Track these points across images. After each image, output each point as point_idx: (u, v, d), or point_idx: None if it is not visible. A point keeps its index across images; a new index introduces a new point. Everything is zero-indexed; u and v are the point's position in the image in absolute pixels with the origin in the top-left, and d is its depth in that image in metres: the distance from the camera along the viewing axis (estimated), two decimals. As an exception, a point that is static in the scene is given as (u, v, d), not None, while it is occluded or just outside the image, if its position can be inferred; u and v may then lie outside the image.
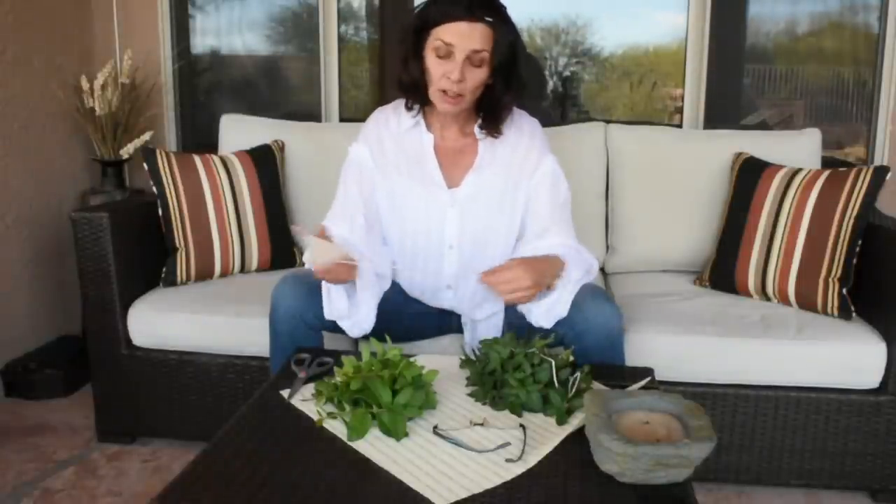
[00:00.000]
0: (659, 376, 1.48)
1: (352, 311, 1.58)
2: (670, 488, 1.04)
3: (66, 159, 2.80)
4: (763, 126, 2.90)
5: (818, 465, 1.89)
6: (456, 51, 1.53)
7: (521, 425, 1.22)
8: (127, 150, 2.72)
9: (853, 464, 1.88)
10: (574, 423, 1.22)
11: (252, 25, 3.11)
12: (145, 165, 2.19)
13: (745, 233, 2.10)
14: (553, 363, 1.30)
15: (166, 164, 2.19)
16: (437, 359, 1.50)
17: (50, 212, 2.70)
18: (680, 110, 2.84)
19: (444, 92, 1.57)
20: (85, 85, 2.68)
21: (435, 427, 1.21)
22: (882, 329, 1.86)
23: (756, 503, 1.94)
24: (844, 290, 1.93)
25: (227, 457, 1.12)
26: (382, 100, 2.49)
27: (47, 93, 2.66)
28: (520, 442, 1.16)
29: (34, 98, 2.62)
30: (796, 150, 2.28)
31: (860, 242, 1.93)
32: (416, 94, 1.65)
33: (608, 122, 2.48)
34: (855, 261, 1.93)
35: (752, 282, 2.07)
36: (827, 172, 2.03)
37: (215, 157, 2.29)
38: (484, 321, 1.78)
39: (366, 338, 1.53)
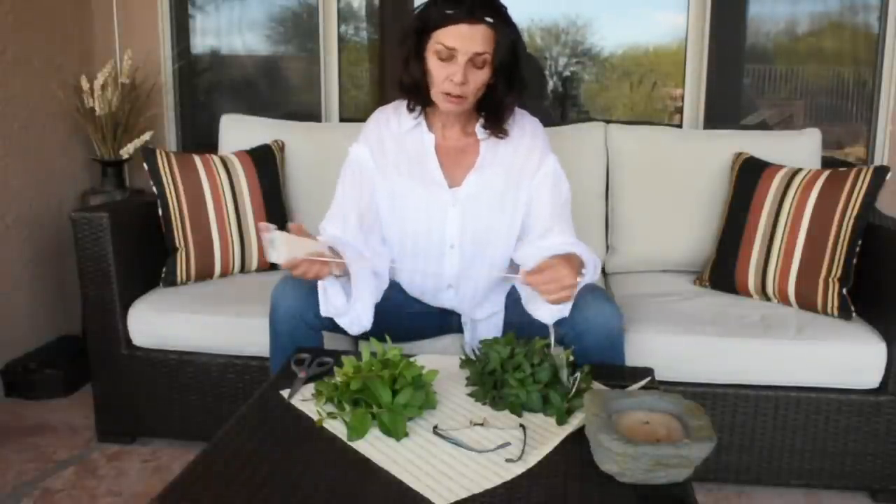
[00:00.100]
0: (659, 376, 1.48)
1: (348, 308, 1.57)
2: (670, 488, 1.04)
3: (66, 159, 2.80)
4: (763, 126, 2.90)
5: (818, 465, 1.89)
6: (458, 54, 1.53)
7: (521, 425, 1.22)
8: (127, 150, 2.72)
9: (853, 464, 1.88)
10: (574, 423, 1.22)
11: (252, 25, 3.11)
12: (145, 165, 2.19)
13: (745, 233, 2.10)
14: (561, 352, 1.30)
15: (166, 164, 2.19)
16: (437, 359, 1.50)
17: (50, 212, 2.70)
18: (680, 110, 2.84)
19: (447, 93, 1.57)
20: (85, 85, 2.68)
21: (435, 427, 1.21)
22: (882, 329, 1.86)
23: (756, 503, 1.94)
24: (844, 290, 1.93)
25: (227, 457, 1.12)
26: (382, 100, 2.49)
27: (47, 93, 2.66)
28: (520, 442, 1.16)
29: (34, 98, 2.62)
30: (796, 150, 2.28)
31: (860, 242, 1.93)
32: (418, 95, 1.65)
33: (608, 122, 2.48)
34: (855, 261, 1.93)
35: (752, 282, 2.07)
36: (827, 172, 2.03)
37: (215, 157, 2.29)
38: (484, 321, 1.78)
39: (366, 337, 1.53)
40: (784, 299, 2.02)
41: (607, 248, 2.41)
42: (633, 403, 1.15)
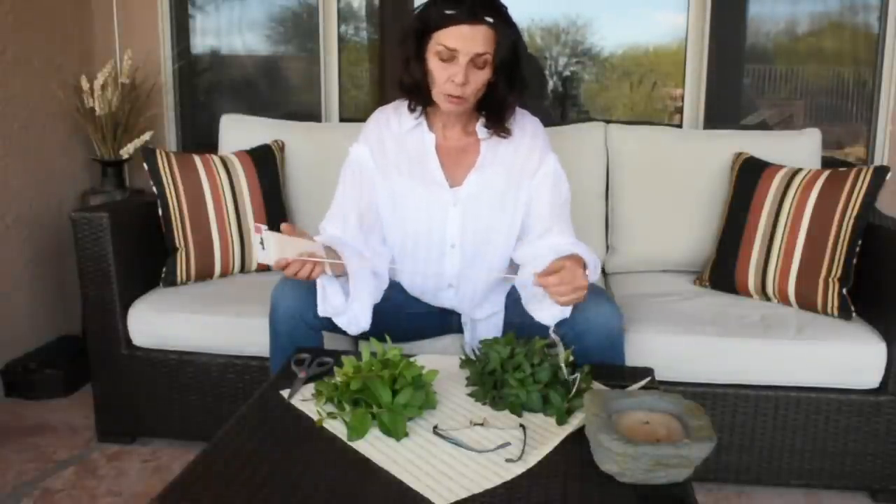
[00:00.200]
0: (659, 376, 1.48)
1: (346, 308, 1.57)
2: (670, 488, 1.04)
3: (66, 159, 2.80)
4: (763, 126, 2.90)
5: (818, 465, 1.89)
6: (459, 54, 1.53)
7: (521, 425, 1.22)
8: (127, 150, 2.72)
9: (853, 464, 1.88)
10: (574, 423, 1.22)
11: (252, 25, 3.11)
12: (145, 165, 2.19)
13: (745, 233, 2.10)
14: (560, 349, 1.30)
15: (166, 164, 2.19)
16: (437, 359, 1.50)
17: (50, 212, 2.70)
18: (680, 110, 2.84)
19: (449, 94, 1.57)
20: (85, 85, 2.68)
21: (435, 427, 1.21)
22: (882, 329, 1.86)
23: (756, 503, 1.94)
24: (844, 290, 1.93)
25: (227, 457, 1.12)
26: (382, 100, 2.49)
27: (47, 93, 2.66)
28: (520, 442, 1.16)
29: (34, 98, 2.62)
30: (796, 150, 2.28)
31: (860, 242, 1.93)
32: (419, 95, 1.65)
33: (608, 122, 2.48)
34: (855, 261, 1.93)
35: (752, 282, 2.07)
36: (827, 172, 2.03)
37: (215, 157, 2.29)
38: (484, 321, 1.78)
39: (366, 337, 1.53)
40: (784, 299, 2.02)
41: (607, 248, 2.41)
42: (633, 403, 1.15)
